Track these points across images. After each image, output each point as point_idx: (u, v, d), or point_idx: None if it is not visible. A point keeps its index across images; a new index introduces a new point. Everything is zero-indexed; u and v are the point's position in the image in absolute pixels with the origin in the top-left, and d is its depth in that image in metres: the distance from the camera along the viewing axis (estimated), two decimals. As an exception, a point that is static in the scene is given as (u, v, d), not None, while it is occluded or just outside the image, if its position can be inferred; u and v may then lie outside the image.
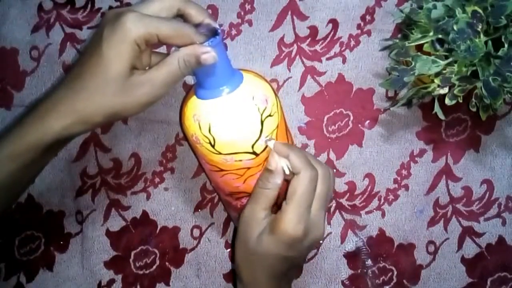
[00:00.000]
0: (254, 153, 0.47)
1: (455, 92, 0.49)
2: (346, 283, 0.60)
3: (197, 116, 0.46)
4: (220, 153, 0.47)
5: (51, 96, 0.44)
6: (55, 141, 0.44)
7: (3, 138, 0.45)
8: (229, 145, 0.46)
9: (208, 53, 0.43)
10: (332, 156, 0.60)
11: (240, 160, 0.47)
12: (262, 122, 0.46)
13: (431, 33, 0.49)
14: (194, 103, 0.47)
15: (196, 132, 0.47)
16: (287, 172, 0.47)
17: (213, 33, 0.44)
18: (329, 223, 0.60)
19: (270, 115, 0.47)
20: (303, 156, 0.48)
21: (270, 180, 0.48)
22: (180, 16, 0.46)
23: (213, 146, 0.46)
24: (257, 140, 0.47)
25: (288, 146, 0.48)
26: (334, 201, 0.60)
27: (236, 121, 0.46)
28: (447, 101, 0.50)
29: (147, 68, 0.46)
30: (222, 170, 0.49)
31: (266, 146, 0.47)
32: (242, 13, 0.59)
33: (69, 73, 0.45)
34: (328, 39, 0.59)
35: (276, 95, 0.49)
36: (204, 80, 0.46)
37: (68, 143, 0.47)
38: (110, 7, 0.58)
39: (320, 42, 0.59)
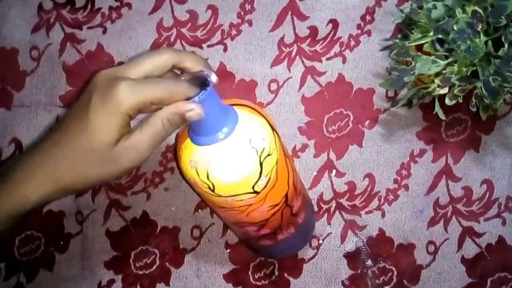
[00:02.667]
0: (255, 192, 0.45)
1: (455, 92, 0.49)
2: (346, 283, 0.60)
3: (194, 162, 0.45)
4: (220, 196, 0.45)
5: (28, 162, 0.41)
6: (33, 208, 0.42)
7: None
8: (229, 188, 0.45)
9: (192, 111, 0.40)
10: (332, 156, 0.60)
11: (241, 200, 0.46)
12: (261, 164, 0.45)
13: (431, 33, 0.49)
14: (189, 147, 0.45)
15: (194, 177, 0.45)
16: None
17: (204, 82, 0.41)
18: (329, 223, 0.60)
19: (269, 154, 0.45)
20: None
21: None
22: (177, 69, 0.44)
23: (212, 191, 0.45)
24: (257, 181, 0.45)
25: None
26: (334, 201, 0.60)
27: (234, 166, 0.44)
28: (447, 101, 0.50)
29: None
30: (223, 207, 0.48)
31: (267, 184, 0.46)
32: (242, 13, 0.59)
33: (48, 136, 0.42)
34: (328, 39, 0.59)
35: (273, 128, 0.47)
36: (198, 127, 0.43)
37: (48, 204, 0.45)
38: (110, 7, 0.58)
39: (320, 42, 0.59)
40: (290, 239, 0.54)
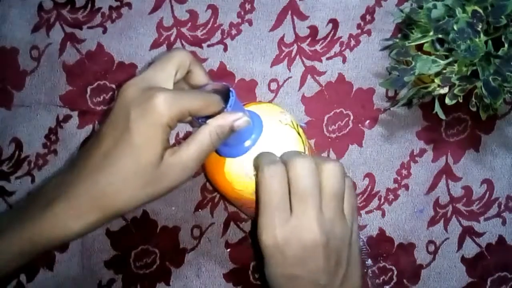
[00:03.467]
0: None
1: (455, 91, 0.49)
2: (346, 282, 0.60)
3: (251, 172, 0.45)
4: None
5: (68, 192, 0.39)
6: (75, 238, 0.40)
7: (12, 233, 0.40)
8: None
9: (240, 119, 0.41)
10: (332, 155, 0.60)
11: None
12: (299, 133, 0.47)
13: (431, 33, 0.49)
14: (235, 164, 0.45)
15: (254, 187, 0.45)
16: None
17: (225, 91, 0.41)
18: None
19: (297, 124, 0.47)
20: (266, 155, 0.43)
21: None
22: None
23: None
24: (304, 152, 0.47)
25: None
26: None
27: (283, 149, 0.45)
28: (447, 100, 0.50)
29: None
30: None
31: (309, 153, 0.47)
32: (242, 13, 0.59)
33: (86, 161, 0.40)
34: (328, 39, 0.59)
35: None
36: (236, 138, 0.44)
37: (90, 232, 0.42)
38: (110, 7, 0.58)
39: (320, 42, 0.59)
40: None
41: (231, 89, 0.41)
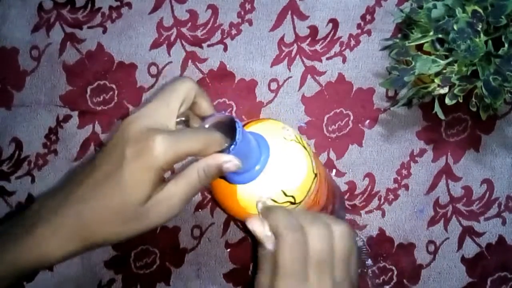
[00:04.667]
0: (315, 175, 0.47)
1: (455, 91, 0.49)
2: (346, 282, 0.60)
3: (264, 194, 0.44)
4: (299, 203, 0.45)
5: (51, 219, 0.39)
6: (56, 263, 0.40)
7: None
8: (303, 188, 0.45)
9: (230, 162, 0.40)
10: (332, 155, 0.60)
11: (312, 191, 0.46)
12: (305, 147, 0.46)
13: (431, 33, 0.49)
14: (248, 190, 0.45)
15: None
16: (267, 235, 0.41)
17: (229, 123, 0.40)
18: (329, 223, 0.60)
19: (301, 138, 0.47)
20: (285, 217, 0.41)
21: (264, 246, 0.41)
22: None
23: (294, 203, 0.45)
24: (312, 164, 0.46)
25: (270, 207, 0.43)
26: (334, 201, 0.60)
27: (293, 167, 0.45)
28: (447, 100, 0.50)
29: None
30: None
31: (315, 162, 0.47)
32: (242, 13, 0.59)
33: (72, 190, 0.39)
34: (328, 38, 0.59)
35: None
36: (245, 165, 0.42)
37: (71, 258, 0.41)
38: (110, 7, 0.58)
39: (320, 42, 0.59)
40: (337, 209, 0.56)
41: (236, 120, 0.40)
